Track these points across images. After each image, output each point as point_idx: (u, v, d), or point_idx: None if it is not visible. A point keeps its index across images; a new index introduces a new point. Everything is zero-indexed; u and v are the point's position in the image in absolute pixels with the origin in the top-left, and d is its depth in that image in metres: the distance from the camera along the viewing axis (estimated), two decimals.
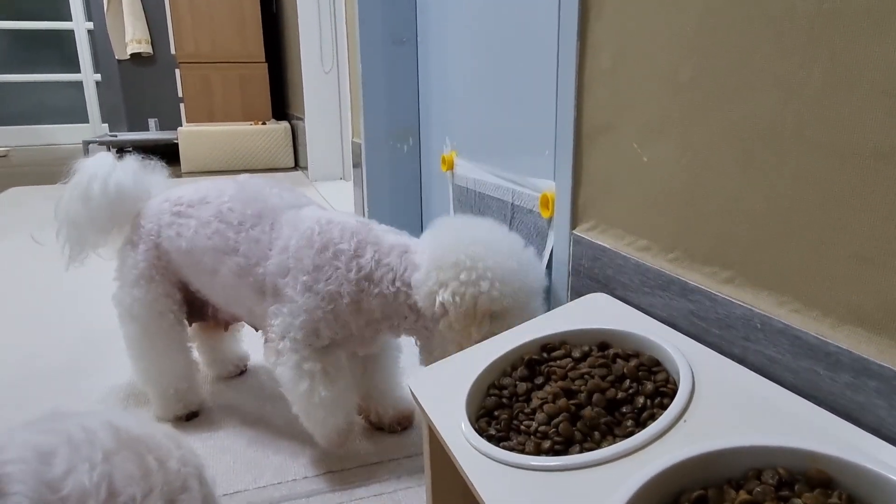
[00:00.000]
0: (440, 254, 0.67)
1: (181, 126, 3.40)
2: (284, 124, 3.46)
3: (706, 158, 0.55)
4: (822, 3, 0.43)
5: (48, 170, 3.53)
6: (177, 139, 3.31)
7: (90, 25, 4.66)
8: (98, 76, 4.65)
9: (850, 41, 0.42)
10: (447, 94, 1.46)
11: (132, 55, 3.62)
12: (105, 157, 0.82)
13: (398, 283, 0.70)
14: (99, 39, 3.73)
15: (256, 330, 0.85)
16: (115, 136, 3.67)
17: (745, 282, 0.52)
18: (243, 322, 0.90)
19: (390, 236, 0.73)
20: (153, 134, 3.73)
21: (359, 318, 0.72)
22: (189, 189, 0.83)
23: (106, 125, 4.38)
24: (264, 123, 3.45)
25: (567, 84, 0.73)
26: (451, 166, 1.41)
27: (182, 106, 3.47)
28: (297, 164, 3.51)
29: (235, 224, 0.76)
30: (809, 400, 0.44)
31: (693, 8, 0.55)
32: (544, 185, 0.99)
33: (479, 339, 0.65)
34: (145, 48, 3.61)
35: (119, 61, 3.67)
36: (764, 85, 0.49)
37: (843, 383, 0.43)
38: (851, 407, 0.43)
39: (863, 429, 0.41)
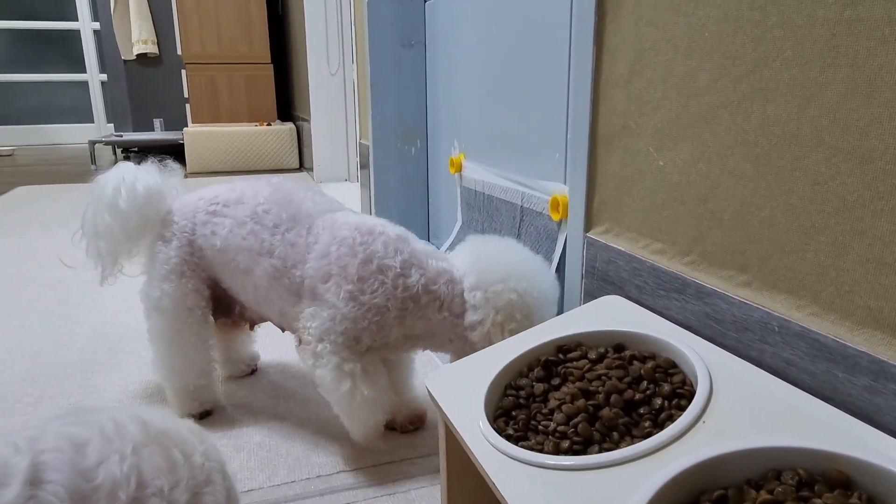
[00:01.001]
0: (493, 295, 0.71)
1: (187, 126, 3.41)
2: (289, 125, 3.47)
3: (723, 162, 0.56)
4: (842, 11, 0.44)
5: (54, 169, 3.54)
6: (182, 139, 3.32)
7: (96, 26, 4.67)
8: (104, 76, 4.67)
9: (870, 49, 0.43)
10: (455, 96, 1.47)
11: (138, 55, 3.64)
12: (126, 166, 0.83)
13: (445, 313, 0.73)
14: (105, 40, 3.74)
15: (283, 331, 0.86)
16: (121, 135, 3.68)
17: (762, 285, 0.53)
18: (268, 322, 0.91)
19: (432, 260, 0.75)
20: (158, 134, 3.74)
21: (400, 331, 0.74)
22: (224, 188, 0.84)
23: (111, 125, 4.39)
24: (269, 124, 3.47)
25: (582, 88, 0.74)
26: (459, 168, 1.42)
27: (188, 106, 3.48)
28: (302, 165, 3.51)
29: (271, 226, 0.77)
30: (828, 402, 0.45)
31: (712, 14, 0.56)
32: (554, 188, 0.99)
33: None
34: (151, 49, 3.62)
35: (125, 61, 3.68)
36: (782, 91, 0.49)
37: (862, 386, 0.44)
38: (870, 409, 0.43)
39: (882, 430, 0.41)
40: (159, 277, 0.82)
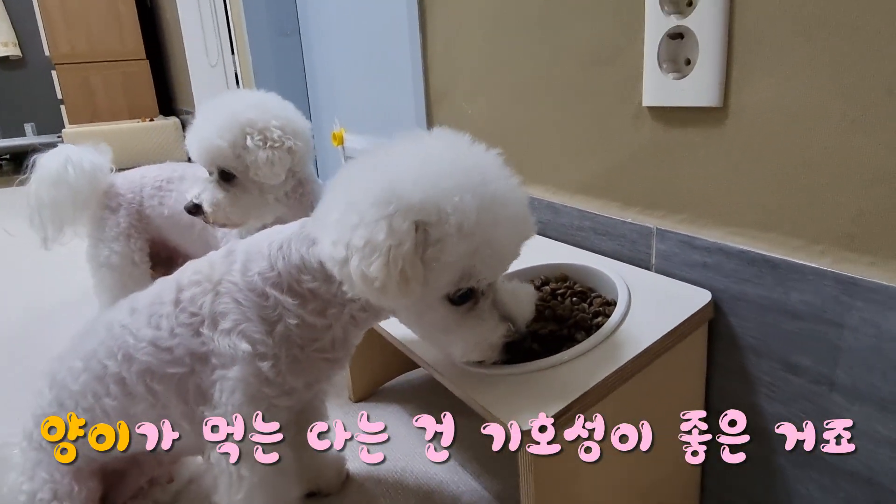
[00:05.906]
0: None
1: (64, 128, 3.36)
2: (174, 119, 3.50)
3: (505, 107, 0.84)
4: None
5: None
6: (60, 141, 3.27)
7: None
8: None
9: (564, 19, 0.72)
10: (332, 78, 1.70)
11: None
12: (66, 146, 1.01)
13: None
14: None
15: None
16: None
17: (528, 180, 0.82)
18: None
19: None
20: (32, 139, 3.62)
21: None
22: (164, 170, 1.05)
23: None
24: (152, 120, 3.48)
25: (416, 62, 1.00)
26: (341, 142, 1.65)
27: (63, 108, 3.41)
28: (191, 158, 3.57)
29: None
30: (564, 242, 0.75)
31: (490, 3, 0.84)
32: None
33: None
34: (13, 51, 3.49)
35: None
36: (531, 48, 0.78)
37: (574, 227, 0.74)
38: (578, 240, 0.74)
39: (585, 251, 0.72)
40: (108, 239, 1.01)
